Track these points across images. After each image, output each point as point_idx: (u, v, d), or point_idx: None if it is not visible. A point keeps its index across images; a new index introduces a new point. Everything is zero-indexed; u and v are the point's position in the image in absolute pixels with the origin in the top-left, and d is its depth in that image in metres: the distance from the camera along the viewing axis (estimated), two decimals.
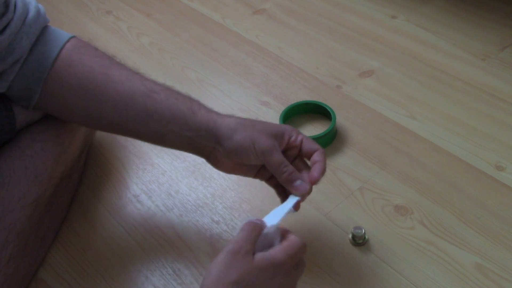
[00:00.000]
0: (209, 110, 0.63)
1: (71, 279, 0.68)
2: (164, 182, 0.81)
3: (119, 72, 0.63)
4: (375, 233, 0.70)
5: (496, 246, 0.67)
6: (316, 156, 0.61)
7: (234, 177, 0.78)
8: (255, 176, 0.65)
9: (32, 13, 0.62)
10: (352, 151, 0.83)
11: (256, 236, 0.52)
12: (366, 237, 0.68)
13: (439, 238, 0.68)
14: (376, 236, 0.69)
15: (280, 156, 0.60)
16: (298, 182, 0.60)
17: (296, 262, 0.52)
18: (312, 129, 0.87)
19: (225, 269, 0.48)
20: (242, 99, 0.95)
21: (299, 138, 0.62)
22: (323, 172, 0.60)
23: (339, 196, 0.75)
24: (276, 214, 0.57)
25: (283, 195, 0.64)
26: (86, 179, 0.82)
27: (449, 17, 1.11)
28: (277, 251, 0.51)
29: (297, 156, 0.63)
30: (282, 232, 0.54)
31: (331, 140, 0.84)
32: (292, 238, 0.53)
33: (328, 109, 0.86)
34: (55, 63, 0.62)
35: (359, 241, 0.68)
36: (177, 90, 0.65)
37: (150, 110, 0.61)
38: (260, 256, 0.50)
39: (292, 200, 0.60)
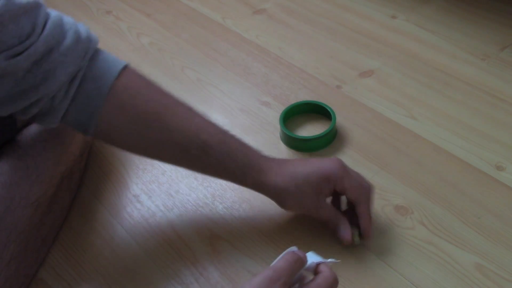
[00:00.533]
0: (259, 170, 0.65)
1: (71, 279, 0.68)
2: (164, 182, 0.81)
3: (175, 118, 0.62)
4: (375, 233, 0.70)
5: (496, 246, 0.67)
6: (361, 208, 0.65)
7: None
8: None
9: (68, 40, 0.57)
10: (352, 151, 0.83)
11: (297, 269, 0.52)
12: (357, 238, 0.67)
13: (439, 238, 0.69)
14: (376, 236, 0.69)
15: (326, 213, 0.66)
16: (342, 232, 0.66)
17: None
18: (312, 129, 0.87)
19: None
20: (242, 99, 0.95)
21: (343, 186, 0.64)
22: (370, 226, 0.66)
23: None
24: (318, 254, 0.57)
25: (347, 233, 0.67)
26: (87, 179, 0.82)
27: (449, 17, 1.11)
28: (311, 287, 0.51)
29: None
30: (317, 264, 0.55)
31: (331, 140, 0.84)
32: (325, 274, 0.53)
33: (328, 109, 0.86)
34: (106, 103, 0.59)
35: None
36: (231, 137, 0.65)
37: (205, 163, 0.64)
38: None
39: None
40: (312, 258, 0.55)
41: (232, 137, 0.65)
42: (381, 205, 0.73)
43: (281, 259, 0.52)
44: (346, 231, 0.65)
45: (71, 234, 0.74)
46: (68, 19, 0.60)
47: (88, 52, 0.59)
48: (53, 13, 0.59)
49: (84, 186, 0.81)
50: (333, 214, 0.66)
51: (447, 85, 0.94)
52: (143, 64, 1.06)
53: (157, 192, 0.79)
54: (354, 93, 0.94)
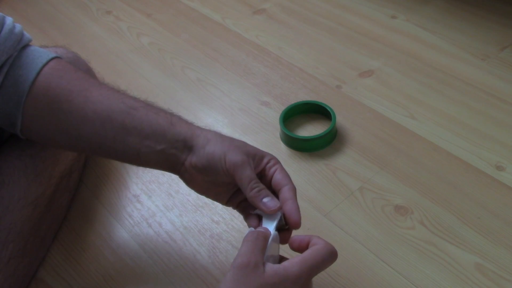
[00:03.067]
0: (190, 124, 0.60)
1: (71, 279, 0.68)
2: (164, 182, 0.81)
3: (98, 92, 0.60)
4: (375, 233, 0.70)
5: (496, 246, 0.67)
6: (287, 193, 0.55)
7: None
8: (227, 203, 0.61)
9: (4, 32, 0.59)
10: (352, 151, 0.82)
11: (263, 245, 0.49)
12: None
13: (439, 238, 0.68)
14: (376, 236, 0.69)
15: (253, 173, 0.55)
16: (267, 199, 0.54)
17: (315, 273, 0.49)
18: (312, 129, 0.87)
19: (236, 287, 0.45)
20: (242, 99, 0.95)
21: (276, 167, 0.57)
22: (298, 212, 0.54)
23: (339, 196, 0.75)
24: (267, 223, 0.54)
25: (253, 221, 0.57)
26: (86, 179, 0.82)
27: (449, 17, 1.11)
28: (292, 263, 0.48)
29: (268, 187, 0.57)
30: (308, 237, 0.51)
31: (331, 140, 0.84)
32: (315, 248, 0.49)
33: (328, 109, 0.86)
34: (33, 87, 0.59)
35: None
36: (159, 106, 0.62)
37: (129, 126, 0.58)
38: (271, 270, 0.47)
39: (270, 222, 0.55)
40: (269, 226, 0.52)
41: (157, 106, 0.62)
42: (381, 205, 0.73)
43: (242, 244, 0.49)
44: (273, 200, 0.54)
45: (70, 234, 0.74)
46: (8, 18, 0.61)
47: (20, 43, 0.60)
48: None
49: (84, 186, 0.81)
50: (256, 179, 0.55)
51: (447, 85, 0.94)
52: (143, 64, 1.06)
53: (157, 192, 0.79)
54: (354, 93, 0.94)
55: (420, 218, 0.71)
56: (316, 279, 0.65)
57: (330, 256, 0.50)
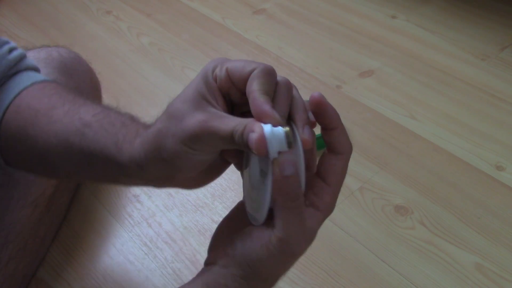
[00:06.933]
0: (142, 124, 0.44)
1: (71, 279, 0.68)
2: None
3: (62, 108, 0.49)
4: (375, 233, 0.70)
5: (496, 246, 0.67)
6: (254, 84, 0.37)
7: (234, 177, 0.78)
8: (236, 165, 0.45)
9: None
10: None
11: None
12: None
13: (439, 238, 0.68)
14: (376, 236, 0.69)
15: (225, 121, 0.36)
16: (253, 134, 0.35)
17: None
18: None
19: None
20: None
21: (224, 70, 0.38)
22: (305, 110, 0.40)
23: (339, 196, 0.75)
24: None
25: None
26: None
27: (449, 17, 1.11)
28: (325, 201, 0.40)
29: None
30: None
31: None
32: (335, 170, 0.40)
33: None
34: (6, 112, 0.51)
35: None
36: (115, 111, 0.48)
37: (86, 151, 0.46)
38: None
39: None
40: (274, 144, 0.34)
41: (116, 111, 0.47)
42: (381, 205, 0.73)
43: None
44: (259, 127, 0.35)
45: (70, 234, 0.74)
46: (8, 45, 0.55)
47: (12, 69, 0.54)
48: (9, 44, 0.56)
49: (84, 186, 0.80)
50: (234, 117, 0.37)
51: (447, 85, 0.94)
52: (143, 64, 1.06)
53: (157, 192, 0.79)
54: (354, 93, 0.94)
55: (420, 218, 0.71)
56: (316, 279, 0.65)
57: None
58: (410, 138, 0.84)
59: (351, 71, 0.99)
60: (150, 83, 1.01)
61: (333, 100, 0.94)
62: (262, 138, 0.34)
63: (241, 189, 0.79)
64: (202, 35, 1.13)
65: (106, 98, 0.85)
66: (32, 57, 0.70)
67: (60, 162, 0.49)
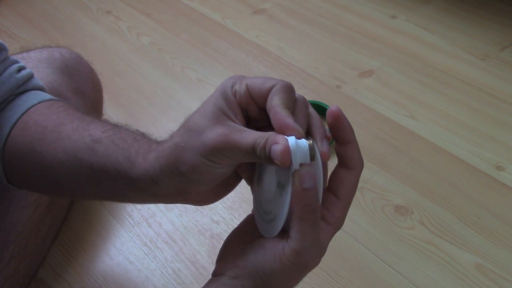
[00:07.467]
0: (152, 142, 0.44)
1: (71, 279, 0.68)
2: None
3: (71, 125, 0.49)
4: (375, 233, 0.70)
5: (496, 246, 0.67)
6: (274, 99, 0.38)
7: None
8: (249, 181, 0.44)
9: (5, 75, 0.53)
10: None
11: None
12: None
13: (439, 238, 0.69)
14: (376, 236, 0.69)
15: (245, 134, 0.37)
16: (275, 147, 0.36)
17: None
18: None
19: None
20: None
21: (243, 86, 0.40)
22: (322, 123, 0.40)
23: None
24: None
25: None
26: None
27: (449, 17, 1.11)
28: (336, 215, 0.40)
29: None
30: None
31: (331, 141, 0.84)
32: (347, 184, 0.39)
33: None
34: (12, 129, 0.51)
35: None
36: (125, 128, 0.48)
37: (95, 166, 0.45)
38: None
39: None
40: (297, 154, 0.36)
41: (126, 128, 0.48)
42: (381, 205, 0.73)
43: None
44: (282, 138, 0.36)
45: (71, 234, 0.74)
46: (17, 65, 0.55)
47: (20, 87, 0.55)
48: (17, 65, 0.55)
49: None
50: (254, 131, 0.38)
51: (447, 85, 0.94)
52: (143, 64, 1.06)
53: None
54: (354, 93, 0.94)
55: (420, 218, 0.71)
56: (316, 279, 0.65)
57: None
58: (410, 138, 0.84)
59: (351, 71, 0.99)
60: (150, 83, 1.01)
61: (333, 100, 0.94)
62: (287, 150, 0.35)
63: (241, 189, 0.79)
64: (202, 35, 1.13)
65: (106, 98, 0.85)
66: (34, 58, 0.70)
67: (66, 179, 0.49)
